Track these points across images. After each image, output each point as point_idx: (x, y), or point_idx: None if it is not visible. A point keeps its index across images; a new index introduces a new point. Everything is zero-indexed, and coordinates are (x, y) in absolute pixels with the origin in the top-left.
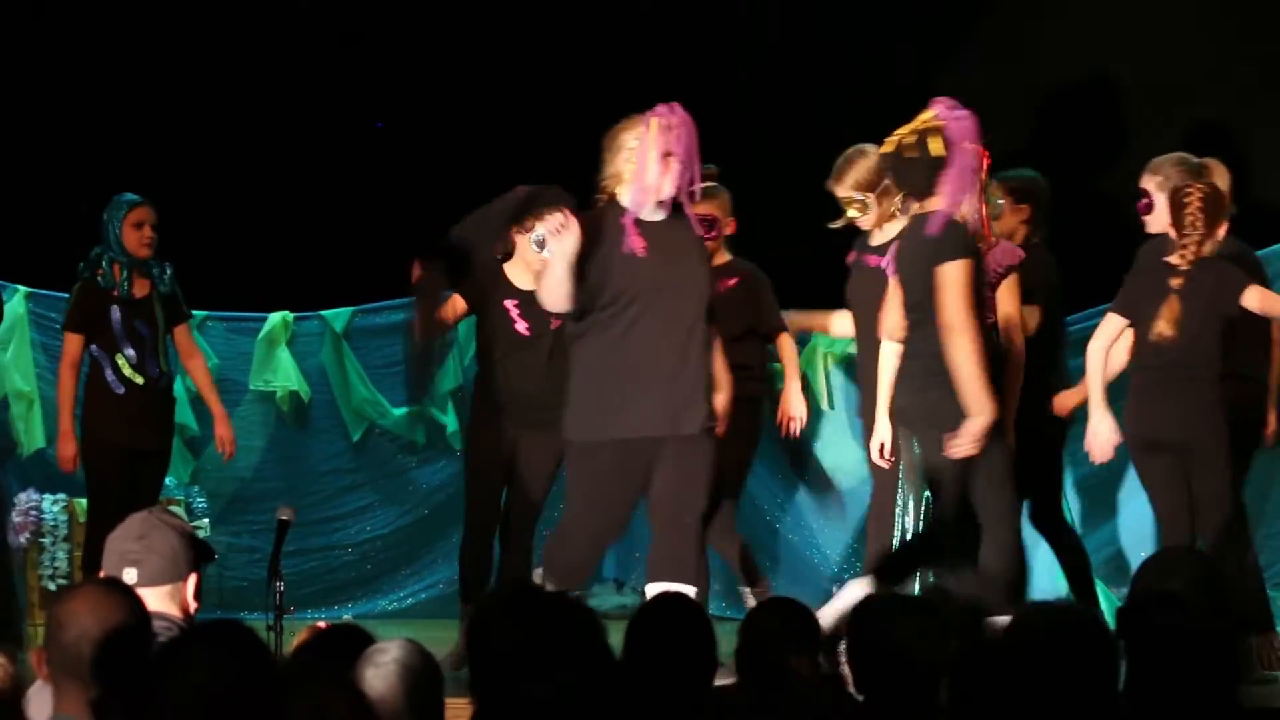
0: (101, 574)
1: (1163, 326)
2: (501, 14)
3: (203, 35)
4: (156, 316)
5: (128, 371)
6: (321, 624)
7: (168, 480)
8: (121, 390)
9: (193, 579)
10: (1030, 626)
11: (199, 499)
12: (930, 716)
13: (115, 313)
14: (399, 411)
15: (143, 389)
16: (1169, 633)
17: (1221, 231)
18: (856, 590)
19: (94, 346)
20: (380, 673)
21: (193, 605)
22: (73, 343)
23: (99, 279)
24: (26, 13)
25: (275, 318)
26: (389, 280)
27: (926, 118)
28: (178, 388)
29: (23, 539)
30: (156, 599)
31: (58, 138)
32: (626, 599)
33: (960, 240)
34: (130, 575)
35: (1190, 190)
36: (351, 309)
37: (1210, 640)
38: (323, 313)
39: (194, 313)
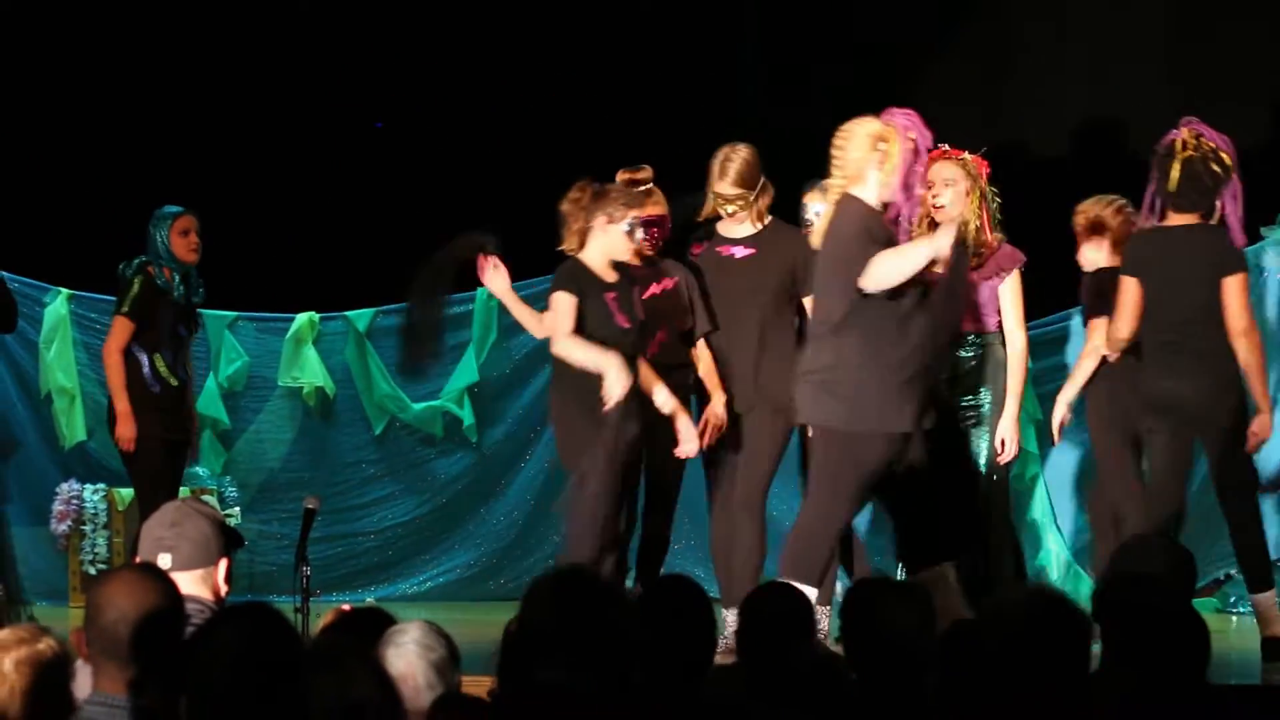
0: (137, 560)
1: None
2: (502, 14)
3: (222, 42)
4: (193, 323)
5: (164, 371)
6: (346, 606)
7: (201, 470)
8: (158, 389)
9: (224, 564)
10: (1010, 609)
11: (230, 488)
12: (919, 693)
13: (167, 315)
14: (419, 406)
15: (175, 390)
16: (1146, 612)
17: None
18: None
19: (136, 344)
20: (400, 652)
21: (224, 589)
22: (124, 329)
23: (156, 278)
24: (54, 27)
25: (302, 318)
26: (408, 282)
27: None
28: (209, 383)
29: (64, 526)
30: (190, 583)
31: (94, 146)
32: (629, 582)
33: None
34: (165, 560)
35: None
36: (373, 310)
37: (1182, 619)
38: (346, 313)
39: (226, 313)
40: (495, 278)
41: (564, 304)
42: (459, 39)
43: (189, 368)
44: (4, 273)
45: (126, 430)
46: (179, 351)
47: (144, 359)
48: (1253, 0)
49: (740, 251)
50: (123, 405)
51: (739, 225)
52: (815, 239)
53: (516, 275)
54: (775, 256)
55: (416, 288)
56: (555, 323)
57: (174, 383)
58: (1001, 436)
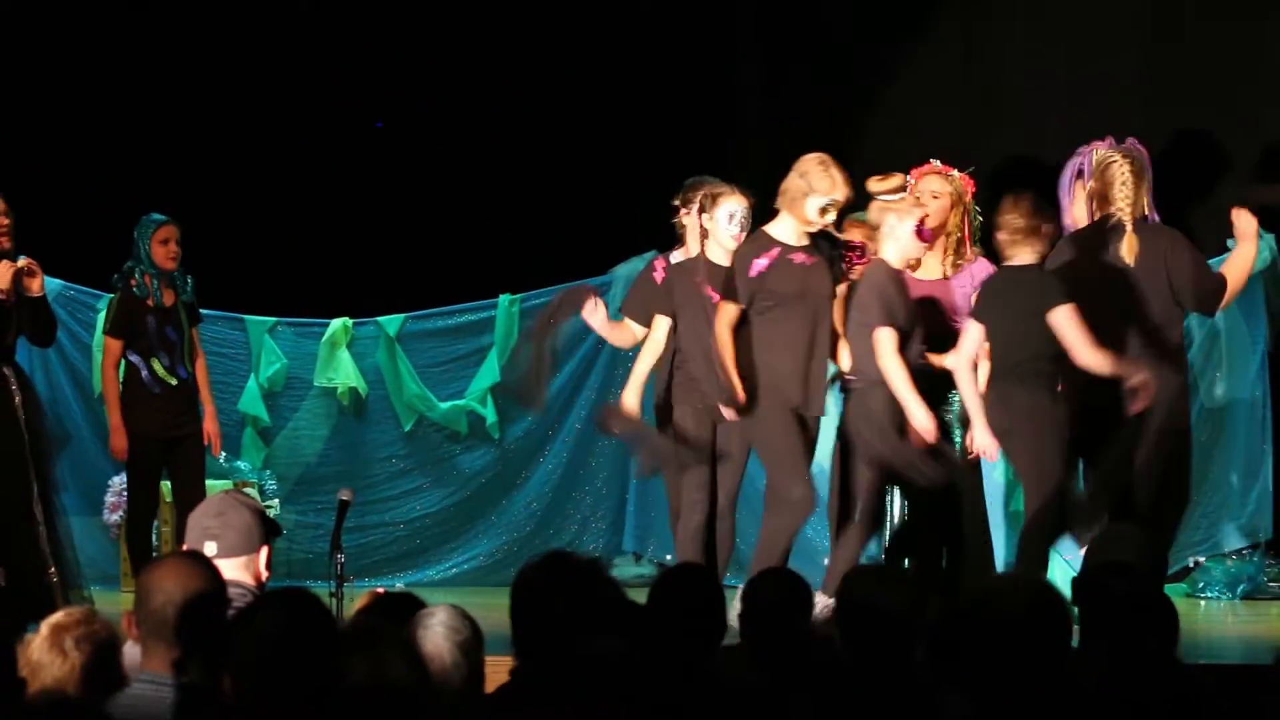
0: (184, 548)
1: None
2: (517, 12)
3: (243, 49)
4: (183, 322)
5: (162, 373)
6: (380, 590)
7: (242, 464)
8: (158, 390)
9: (264, 551)
10: (996, 593)
11: (270, 481)
12: (908, 671)
13: (151, 321)
14: (445, 405)
15: (175, 389)
16: (1119, 597)
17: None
18: None
19: (131, 352)
20: (428, 634)
21: (265, 574)
22: (114, 346)
23: (134, 289)
24: (68, 32)
25: (336, 323)
26: (435, 290)
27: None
28: (250, 384)
29: (116, 517)
30: (233, 569)
31: (130, 154)
32: (644, 569)
33: None
34: (210, 548)
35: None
36: (403, 315)
37: (1155, 603)
38: (378, 319)
39: (266, 319)
40: (596, 316)
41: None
42: (477, 39)
43: (193, 364)
44: (61, 281)
45: (119, 442)
46: (174, 352)
47: (141, 365)
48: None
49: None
50: (114, 419)
51: (790, 230)
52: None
53: (532, 275)
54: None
55: (531, 336)
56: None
57: (173, 382)
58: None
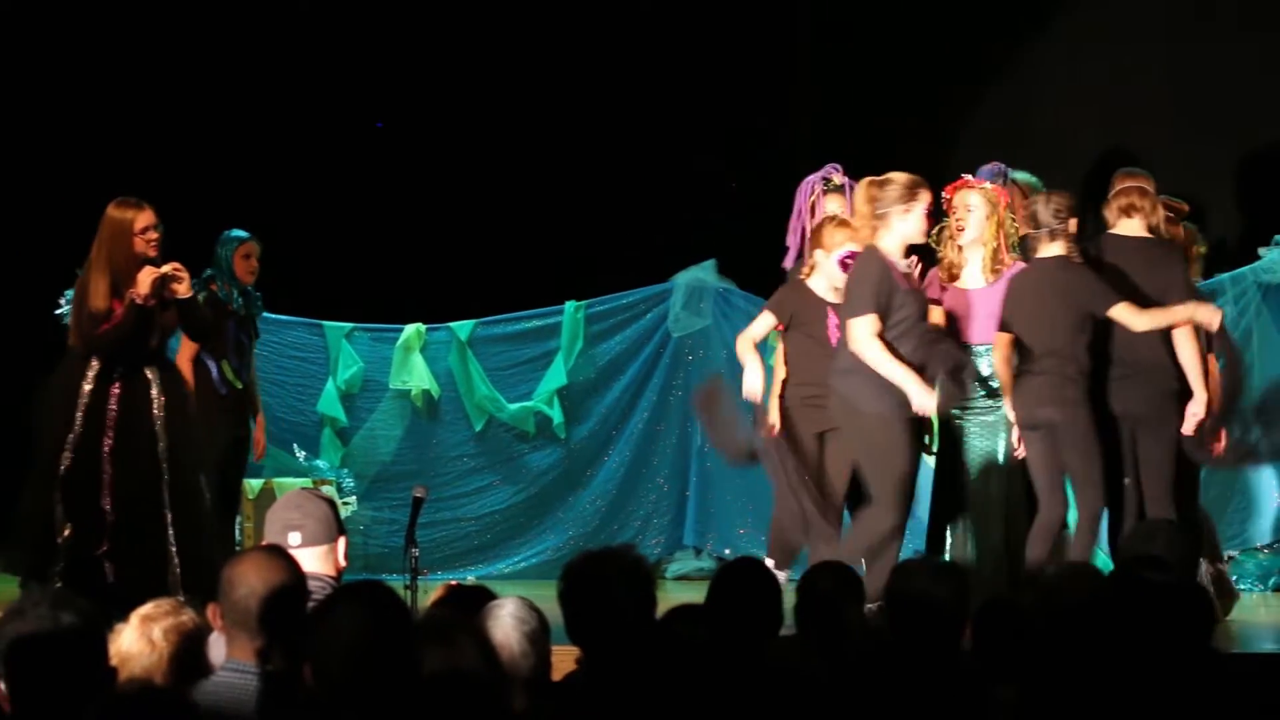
0: (265, 541)
1: None
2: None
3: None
4: (253, 333)
5: (230, 376)
6: (452, 583)
7: (321, 463)
8: (224, 392)
9: (342, 541)
10: (1044, 584)
11: (348, 479)
12: (955, 659)
13: (230, 326)
14: (514, 407)
15: (240, 393)
16: (1159, 589)
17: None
18: None
19: (205, 352)
20: (498, 624)
21: (342, 563)
22: (190, 344)
23: (218, 293)
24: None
25: (410, 329)
26: (505, 297)
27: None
28: (329, 386)
29: None
30: (314, 559)
31: (189, 163)
32: (704, 563)
33: None
34: (294, 538)
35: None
36: (474, 321)
37: (1189, 594)
38: (450, 324)
39: (344, 325)
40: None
41: None
42: (555, 54)
43: (253, 373)
44: None
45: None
46: (243, 357)
47: (212, 366)
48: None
49: None
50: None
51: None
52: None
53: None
54: None
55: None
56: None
57: (239, 385)
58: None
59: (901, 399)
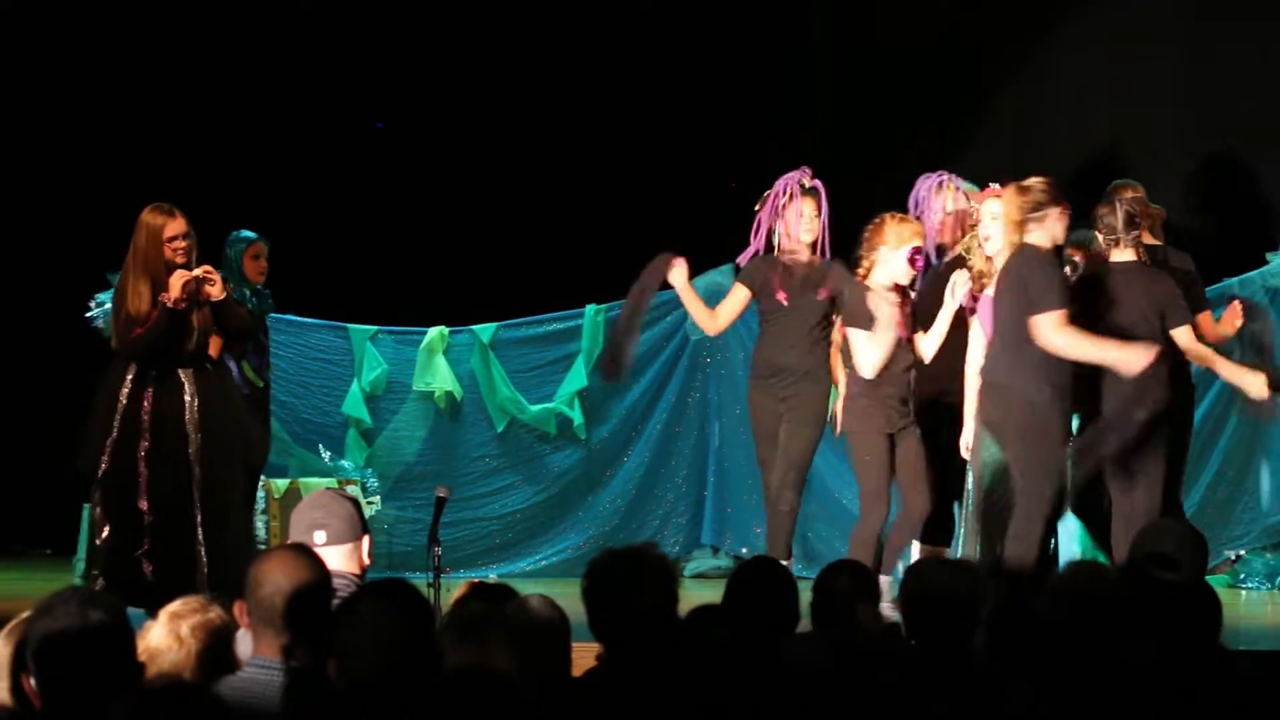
0: (290, 540)
1: None
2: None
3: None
4: (269, 331)
5: (251, 376)
6: (475, 581)
7: (346, 463)
8: (246, 391)
9: (366, 539)
10: (1056, 584)
11: (372, 479)
12: (968, 657)
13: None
14: (535, 408)
15: (261, 391)
16: (1169, 588)
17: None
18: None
19: (226, 353)
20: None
21: (366, 561)
22: (212, 344)
23: (234, 293)
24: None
25: (434, 331)
26: (526, 300)
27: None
28: (353, 388)
29: None
30: (339, 557)
31: (211, 166)
32: (721, 561)
33: None
34: (319, 536)
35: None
36: (496, 324)
37: (1199, 593)
38: (473, 327)
39: (368, 328)
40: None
41: None
42: (580, 60)
43: (268, 370)
44: None
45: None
46: (261, 355)
47: (233, 365)
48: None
49: None
50: None
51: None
52: None
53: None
54: None
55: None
56: None
57: (260, 384)
58: None
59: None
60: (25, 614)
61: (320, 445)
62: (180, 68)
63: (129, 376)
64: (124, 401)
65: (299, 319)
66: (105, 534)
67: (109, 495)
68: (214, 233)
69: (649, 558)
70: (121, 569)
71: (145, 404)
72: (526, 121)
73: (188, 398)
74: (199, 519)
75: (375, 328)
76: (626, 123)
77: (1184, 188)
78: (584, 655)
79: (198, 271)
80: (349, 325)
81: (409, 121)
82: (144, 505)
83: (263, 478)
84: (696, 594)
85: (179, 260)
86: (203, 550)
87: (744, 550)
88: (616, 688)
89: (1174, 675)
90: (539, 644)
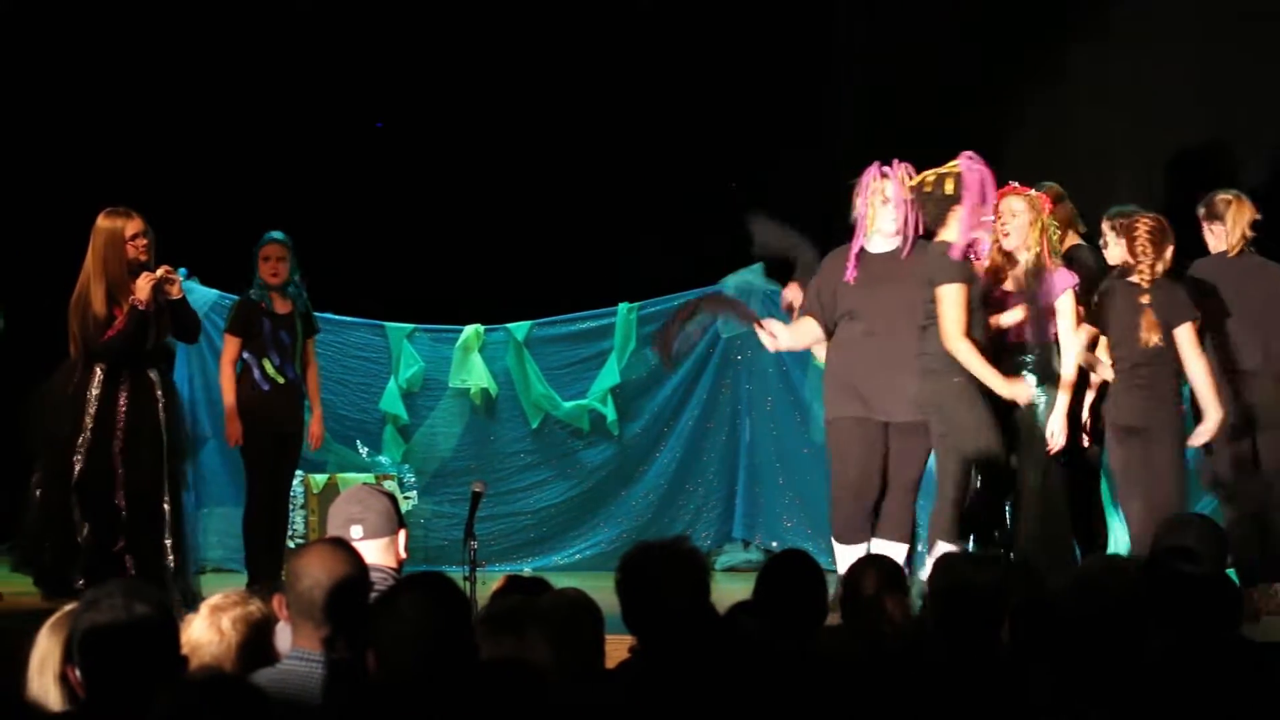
0: (328, 534)
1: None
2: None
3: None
4: (297, 329)
5: (271, 372)
6: (512, 574)
7: (383, 459)
8: (267, 388)
9: (402, 534)
10: (1079, 577)
11: (409, 474)
12: (994, 650)
13: (266, 324)
14: (569, 405)
15: (283, 387)
16: (1188, 579)
17: (1169, 255)
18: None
19: (246, 351)
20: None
21: (403, 555)
22: (232, 344)
23: (252, 294)
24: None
25: (469, 329)
26: (560, 299)
27: (951, 164)
28: (390, 385)
29: None
30: (376, 551)
31: (253, 168)
32: (752, 555)
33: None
34: (357, 531)
35: (1136, 224)
36: (530, 322)
37: (1219, 584)
38: (508, 325)
39: (405, 326)
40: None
41: None
42: (608, 61)
43: (304, 370)
44: (218, 291)
45: (233, 430)
46: (285, 354)
47: (254, 364)
48: None
49: None
50: (229, 409)
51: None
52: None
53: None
54: None
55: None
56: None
57: (282, 380)
58: (1051, 429)
59: None
60: (70, 606)
61: (358, 441)
62: (180, 68)
63: (97, 378)
64: (95, 403)
65: (337, 317)
66: (85, 533)
67: (86, 495)
68: (246, 235)
69: (681, 551)
70: (105, 567)
71: (120, 404)
72: (564, 124)
73: (159, 394)
74: (167, 512)
75: (412, 326)
76: (663, 124)
77: (1211, 184)
78: (617, 647)
79: (160, 272)
80: (386, 323)
81: (449, 125)
82: (120, 502)
83: (301, 473)
84: (727, 587)
85: (142, 258)
86: (169, 545)
87: (774, 544)
88: (649, 679)
89: (1195, 667)
90: (573, 636)
